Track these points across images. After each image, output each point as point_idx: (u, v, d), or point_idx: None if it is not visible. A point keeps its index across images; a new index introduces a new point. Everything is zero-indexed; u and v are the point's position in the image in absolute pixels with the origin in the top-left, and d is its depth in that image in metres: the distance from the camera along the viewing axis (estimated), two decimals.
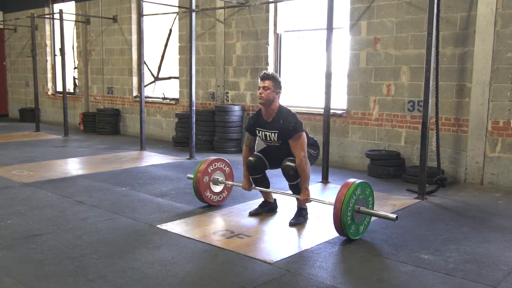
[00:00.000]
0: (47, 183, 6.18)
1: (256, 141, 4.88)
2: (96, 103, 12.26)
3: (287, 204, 5.23)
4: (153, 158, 8.19)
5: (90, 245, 3.98)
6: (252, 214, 4.90)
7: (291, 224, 4.55)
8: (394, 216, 4.18)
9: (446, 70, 6.50)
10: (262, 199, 5.06)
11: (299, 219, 4.60)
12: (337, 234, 4.31)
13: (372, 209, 4.36)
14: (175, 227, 4.50)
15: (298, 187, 4.57)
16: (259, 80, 4.57)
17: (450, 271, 3.53)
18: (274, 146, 4.67)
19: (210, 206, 5.18)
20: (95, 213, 4.91)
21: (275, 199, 5.06)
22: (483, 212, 5.18)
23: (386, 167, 6.78)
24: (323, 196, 5.84)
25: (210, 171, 5.13)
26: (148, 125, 10.40)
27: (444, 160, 6.52)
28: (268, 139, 4.65)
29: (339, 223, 4.05)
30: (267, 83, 4.49)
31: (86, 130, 11.65)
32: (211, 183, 5.16)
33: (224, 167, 5.29)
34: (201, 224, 4.60)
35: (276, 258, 3.75)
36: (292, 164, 4.46)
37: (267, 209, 4.96)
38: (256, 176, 4.86)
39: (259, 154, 4.81)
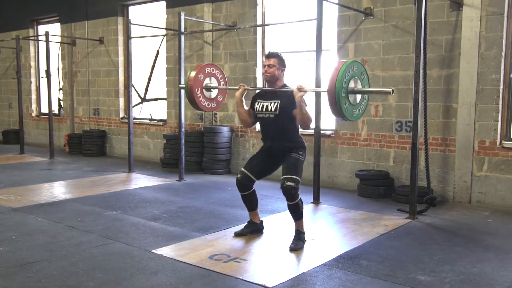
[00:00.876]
0: (36, 208, 6.10)
1: (257, 121, 4.87)
2: (82, 124, 12.18)
3: (273, 225, 5.26)
4: (142, 180, 8.14)
5: (86, 272, 3.94)
6: (237, 234, 4.93)
7: (292, 250, 4.51)
8: (389, 89, 4.28)
9: (433, 91, 6.65)
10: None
11: (299, 244, 4.58)
12: (333, 256, 4.35)
13: (369, 87, 4.41)
14: (170, 251, 4.47)
15: (297, 209, 4.58)
16: (264, 59, 4.64)
17: None
18: (268, 119, 4.65)
19: (205, 231, 5.16)
20: (88, 238, 4.86)
21: (261, 220, 5.08)
22: (474, 231, 5.26)
23: (376, 187, 6.85)
24: (315, 218, 5.89)
25: (201, 78, 5.10)
26: (135, 146, 10.35)
27: (433, 179, 6.62)
28: (265, 109, 4.65)
29: (335, 105, 4.06)
30: (272, 61, 4.65)
31: (71, 152, 11.53)
32: (204, 89, 5.13)
33: (215, 72, 5.27)
34: (196, 248, 4.58)
35: (275, 282, 3.76)
36: (292, 183, 4.47)
37: (253, 229, 4.98)
38: (245, 193, 4.88)
39: (242, 169, 4.84)
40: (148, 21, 9.85)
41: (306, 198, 6.47)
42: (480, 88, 6.33)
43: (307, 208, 6.19)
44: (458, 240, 4.93)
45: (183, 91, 8.11)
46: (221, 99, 5.45)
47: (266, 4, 8.64)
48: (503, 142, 6.26)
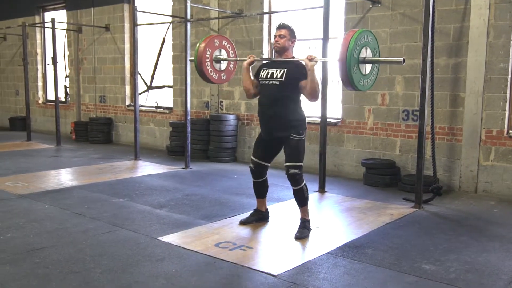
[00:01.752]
0: (43, 195, 6.14)
1: (257, 88, 4.81)
2: (88, 112, 12.21)
3: (279, 214, 5.27)
4: (148, 168, 8.17)
5: (93, 259, 3.97)
6: (242, 222, 4.95)
7: (297, 238, 4.53)
8: (401, 59, 4.30)
9: (440, 80, 6.60)
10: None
11: (304, 232, 4.60)
12: (338, 245, 4.37)
13: (379, 56, 4.43)
14: (176, 239, 4.50)
15: (302, 194, 4.62)
16: (276, 29, 4.71)
17: (452, 281, 3.58)
18: (271, 85, 4.59)
19: (210, 219, 5.18)
20: (95, 225, 4.90)
21: (267, 208, 5.10)
22: (480, 220, 5.26)
23: (382, 176, 6.84)
24: (321, 206, 5.90)
25: (210, 50, 5.08)
26: (141, 134, 10.37)
27: (439, 168, 6.60)
28: (270, 76, 4.61)
29: (347, 76, 4.09)
30: (283, 31, 4.64)
31: (78, 139, 11.58)
32: (213, 61, 5.13)
33: (225, 43, 5.26)
34: (202, 235, 4.61)
35: (280, 270, 3.78)
36: (296, 170, 4.53)
37: (258, 217, 5.00)
38: (259, 180, 4.91)
39: (254, 159, 4.83)
40: (154, 8, 9.81)
41: (312, 187, 6.49)
42: (488, 77, 6.27)
43: (313, 197, 6.21)
44: (463, 229, 4.93)
45: (189, 78, 8.13)
46: (232, 69, 5.39)
47: None
48: (510, 131, 6.23)
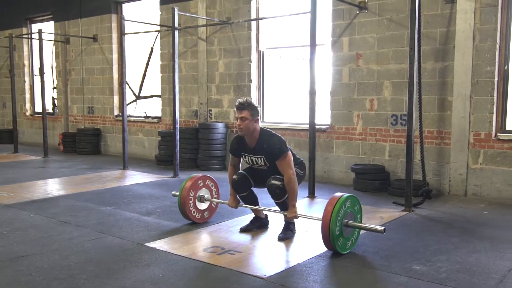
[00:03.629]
0: (29, 204, 6.04)
1: (241, 161, 4.84)
2: (76, 123, 12.11)
3: (278, 220, 5.20)
4: (136, 177, 8.09)
5: (78, 266, 3.88)
6: (243, 230, 4.85)
7: (280, 239, 4.52)
8: (381, 228, 4.20)
9: (428, 84, 6.62)
10: (252, 215, 5.03)
11: (287, 233, 4.58)
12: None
13: (361, 222, 4.36)
14: (164, 245, 4.42)
15: (285, 204, 4.54)
16: (235, 110, 4.53)
17: (443, 281, 3.54)
18: (262, 169, 4.65)
19: (197, 223, 5.12)
20: (81, 233, 4.81)
21: (266, 215, 5.03)
22: (470, 222, 5.24)
23: (372, 181, 6.82)
24: (311, 211, 5.84)
25: (195, 189, 5.07)
26: (130, 144, 10.31)
27: (428, 172, 6.60)
28: (255, 163, 4.63)
29: (328, 238, 4.04)
30: (244, 113, 4.44)
31: (66, 150, 11.46)
32: (196, 200, 5.10)
33: (210, 184, 5.25)
34: (190, 241, 4.54)
35: (269, 273, 3.71)
36: (277, 182, 4.44)
37: (258, 225, 4.93)
38: (242, 194, 4.82)
39: (243, 172, 4.77)
40: (142, 18, 9.80)
41: (301, 193, 6.42)
42: (475, 81, 6.30)
43: (303, 202, 6.16)
44: (453, 231, 4.90)
45: (177, 86, 8.09)
46: (212, 211, 5.31)
47: None
48: (498, 134, 6.25)
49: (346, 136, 7.49)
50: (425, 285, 3.48)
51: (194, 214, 5.09)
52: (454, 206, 5.94)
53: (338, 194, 4.21)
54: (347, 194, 4.20)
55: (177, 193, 5.14)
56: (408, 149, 5.65)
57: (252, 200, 4.88)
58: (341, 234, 4.11)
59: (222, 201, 5.21)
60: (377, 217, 5.40)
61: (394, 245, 4.40)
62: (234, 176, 4.77)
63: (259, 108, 4.62)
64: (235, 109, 4.55)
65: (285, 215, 4.61)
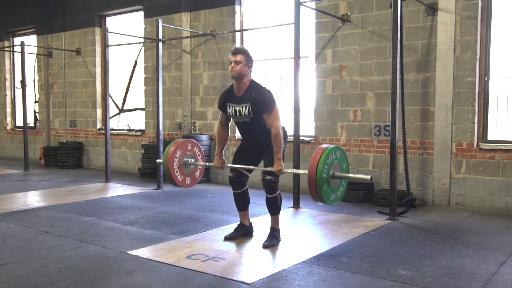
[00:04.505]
0: (8, 215, 5.90)
1: (230, 121, 4.79)
2: (58, 136, 11.96)
3: (263, 228, 5.17)
4: (119, 189, 7.98)
5: (58, 273, 3.79)
6: (227, 238, 4.80)
7: (265, 246, 4.48)
8: (368, 177, 4.28)
9: (410, 95, 6.69)
10: (236, 224, 4.98)
11: (273, 241, 4.54)
12: (313, 254, 4.28)
13: (347, 173, 4.40)
14: (147, 252, 4.35)
15: (275, 202, 4.57)
16: (230, 55, 4.55)
17: (429, 285, 3.53)
18: (243, 122, 4.58)
19: (182, 234, 5.04)
20: (62, 242, 4.70)
21: (251, 223, 4.98)
22: (454, 230, 5.25)
23: (356, 191, 6.83)
24: (295, 221, 5.82)
25: (179, 154, 4.99)
26: (113, 158, 10.19)
27: (412, 182, 6.63)
28: (238, 114, 4.54)
29: (315, 187, 4.04)
30: (238, 57, 4.45)
31: (47, 164, 11.28)
32: (181, 165, 5.02)
33: (194, 148, 5.17)
34: (173, 249, 4.47)
35: (254, 278, 3.67)
36: (271, 177, 4.48)
37: (243, 232, 4.87)
38: (239, 191, 4.80)
39: (232, 166, 4.76)
40: (126, 31, 9.78)
41: (286, 203, 6.42)
42: (456, 91, 6.39)
43: (287, 212, 6.13)
44: (438, 238, 4.91)
45: (161, 99, 8.06)
46: (198, 176, 5.30)
47: (245, 12, 8.67)
48: (480, 144, 6.31)
49: None
50: None
51: (181, 179, 5.01)
52: (437, 215, 5.96)
53: (324, 145, 4.25)
54: (333, 146, 4.24)
55: (161, 160, 5.03)
56: (392, 157, 5.67)
57: (244, 200, 4.86)
58: (329, 188, 4.14)
59: (207, 164, 5.19)
60: (361, 225, 5.39)
61: (379, 251, 4.38)
62: (231, 174, 4.77)
63: (253, 58, 4.62)
64: (230, 54, 4.56)
65: (271, 217, 4.63)
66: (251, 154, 4.72)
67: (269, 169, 4.48)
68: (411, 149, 6.73)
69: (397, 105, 5.67)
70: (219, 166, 4.81)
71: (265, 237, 4.67)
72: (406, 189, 6.26)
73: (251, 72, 4.58)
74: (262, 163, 4.72)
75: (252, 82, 4.56)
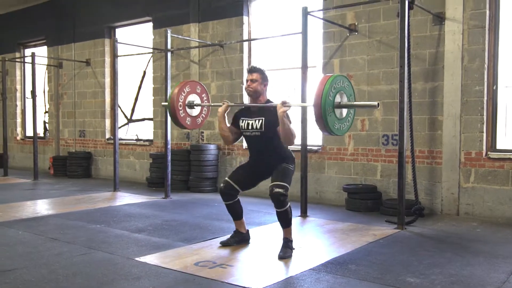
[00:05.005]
0: (17, 223, 5.94)
1: (238, 137, 4.81)
2: (67, 146, 12.05)
3: (260, 236, 5.18)
4: (127, 198, 8.01)
5: (66, 279, 3.80)
6: (223, 244, 4.81)
7: (280, 257, 4.39)
8: (375, 103, 4.27)
9: (418, 104, 6.69)
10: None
11: (287, 252, 4.47)
12: (321, 262, 4.27)
13: (354, 101, 4.38)
14: (154, 259, 4.36)
15: (286, 216, 4.47)
16: (247, 74, 4.64)
17: None
18: (254, 137, 4.60)
19: (190, 241, 5.05)
20: (70, 248, 4.72)
21: (247, 230, 4.98)
22: (463, 239, 5.21)
23: (364, 201, 6.80)
24: (303, 229, 5.80)
25: (184, 95, 4.99)
26: (121, 167, 10.22)
27: (420, 192, 6.59)
28: (250, 127, 4.58)
29: (322, 120, 4.01)
30: (254, 75, 4.57)
31: (56, 174, 11.35)
32: (186, 106, 5.03)
33: (198, 89, 5.17)
34: (181, 256, 4.47)
35: (261, 285, 3.66)
36: (281, 190, 4.38)
37: (238, 239, 4.87)
38: (229, 202, 4.79)
39: (226, 179, 4.77)
40: (135, 42, 9.87)
41: (293, 212, 6.34)
42: (464, 100, 6.38)
43: (295, 221, 6.06)
44: (447, 246, 4.87)
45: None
46: (204, 116, 5.36)
47: (252, 23, 8.74)
48: (489, 153, 6.28)
49: (337, 156, 7.50)
50: None
51: (187, 120, 5.04)
52: (446, 224, 5.92)
53: (328, 74, 4.20)
54: (337, 74, 4.21)
55: (166, 103, 5.07)
56: (400, 167, 5.66)
57: (236, 210, 4.84)
58: (333, 112, 4.09)
59: (212, 104, 5.21)
60: (369, 234, 5.36)
61: (387, 259, 4.36)
62: (222, 184, 4.77)
63: (269, 76, 4.70)
64: (247, 71, 4.65)
65: (283, 230, 4.57)
66: (257, 172, 4.70)
67: (274, 104, 4.45)
68: (419, 158, 6.71)
69: (405, 114, 5.67)
70: (225, 107, 4.72)
71: (271, 245, 4.67)
72: (414, 198, 6.23)
73: (266, 90, 4.68)
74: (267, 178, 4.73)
75: (269, 101, 4.65)
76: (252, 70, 4.63)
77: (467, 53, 6.35)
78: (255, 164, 4.74)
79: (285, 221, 4.54)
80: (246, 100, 8.65)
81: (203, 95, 5.30)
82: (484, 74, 6.28)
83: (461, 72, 6.38)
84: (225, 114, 4.77)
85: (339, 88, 4.17)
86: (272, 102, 4.65)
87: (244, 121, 4.66)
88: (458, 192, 6.43)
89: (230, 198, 4.77)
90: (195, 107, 5.18)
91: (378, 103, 4.32)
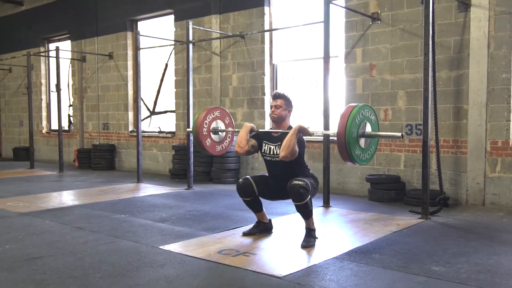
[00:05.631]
0: (44, 213, 6.06)
1: (251, 153, 4.82)
2: (91, 139, 12.22)
3: (283, 225, 5.18)
4: (150, 189, 8.10)
5: (92, 266, 3.87)
6: (246, 234, 4.82)
7: (303, 247, 4.37)
8: (399, 134, 4.22)
9: (443, 93, 6.58)
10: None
11: (310, 241, 4.45)
12: (344, 250, 4.25)
13: (378, 130, 4.34)
14: (178, 247, 4.40)
15: (306, 209, 4.41)
16: (271, 100, 4.72)
17: (464, 281, 3.46)
18: (275, 162, 4.62)
19: (213, 230, 5.08)
20: (95, 237, 4.80)
21: (270, 219, 4.98)
22: (489, 229, 5.13)
23: (387, 191, 6.74)
24: (326, 219, 5.78)
25: (208, 121, 5.02)
26: (144, 160, 10.33)
27: (445, 182, 6.50)
28: (271, 152, 4.63)
29: (345, 151, 3.99)
30: (279, 102, 4.65)
31: (81, 166, 11.54)
32: (211, 132, 5.06)
33: (223, 115, 5.19)
34: (204, 244, 4.50)
35: (285, 272, 3.66)
36: (300, 182, 4.31)
37: (261, 229, 4.88)
38: (247, 199, 4.78)
39: (248, 177, 4.77)
40: (156, 35, 9.93)
41: (316, 202, 6.37)
42: (490, 88, 6.25)
43: (318, 211, 6.10)
44: (472, 236, 4.81)
45: (191, 100, 8.14)
46: (228, 143, 5.34)
47: (273, 13, 8.70)
48: None
49: None
50: (446, 285, 3.40)
51: (211, 146, 5.08)
52: (472, 214, 5.83)
53: (353, 104, 4.19)
54: (362, 104, 4.17)
55: (190, 129, 5.08)
56: (424, 156, 5.58)
57: (256, 205, 4.83)
58: (357, 144, 4.08)
59: (236, 130, 5.22)
60: (393, 223, 5.32)
61: (412, 249, 4.32)
62: (240, 180, 4.79)
63: (293, 103, 4.76)
64: (271, 98, 4.60)
65: (305, 221, 4.53)
66: (279, 190, 4.61)
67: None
68: (443, 148, 6.61)
69: (429, 102, 5.59)
70: (248, 128, 4.76)
71: (294, 234, 4.67)
72: (438, 189, 6.15)
73: (290, 116, 4.74)
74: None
75: (290, 127, 4.66)
76: (276, 96, 4.70)
77: (494, 40, 6.22)
78: (275, 186, 4.69)
79: (306, 213, 4.49)
80: (268, 90, 8.67)
81: (227, 122, 5.28)
82: (511, 61, 6.14)
83: (487, 59, 6.25)
84: (247, 134, 4.76)
85: (363, 118, 4.16)
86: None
87: (267, 145, 4.71)
88: (484, 182, 6.33)
89: (246, 196, 4.75)
90: (219, 132, 5.19)
91: (402, 134, 4.26)
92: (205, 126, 5.05)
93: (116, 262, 3.96)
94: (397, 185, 6.81)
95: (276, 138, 4.65)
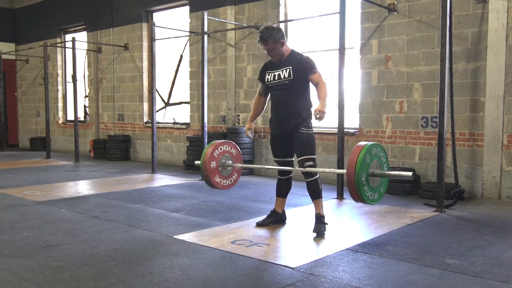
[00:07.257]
0: (60, 201, 6.15)
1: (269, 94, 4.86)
2: (107, 130, 12.32)
3: (296, 217, 5.18)
4: (165, 180, 8.15)
5: (107, 254, 3.92)
6: (259, 224, 4.85)
7: (314, 232, 4.46)
8: (409, 173, 4.13)
9: (459, 85, 6.51)
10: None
11: (321, 227, 4.50)
12: (358, 242, 4.25)
13: (388, 171, 4.26)
14: (192, 237, 4.43)
15: (316, 186, 4.58)
16: (259, 45, 4.59)
17: (478, 274, 3.44)
18: (281, 85, 4.59)
19: (227, 221, 5.11)
20: (111, 226, 4.86)
21: (284, 211, 5.00)
22: (505, 222, 5.08)
23: (402, 184, 6.70)
24: (339, 211, 5.78)
25: (216, 155, 5.01)
26: (158, 150, 10.40)
27: (460, 175, 6.44)
28: (277, 78, 4.59)
29: (354, 186, 3.95)
30: (270, 45, 4.52)
31: (96, 156, 11.66)
32: (219, 167, 5.07)
33: (231, 149, 5.18)
34: (218, 234, 4.53)
35: (298, 263, 3.67)
36: (311, 162, 4.55)
37: (275, 219, 4.90)
38: (284, 177, 4.89)
39: (277, 159, 4.84)
40: (172, 26, 9.96)
41: (330, 195, 6.44)
42: (508, 81, 6.17)
43: (331, 203, 6.10)
44: (488, 229, 4.76)
45: (206, 92, 8.16)
46: (236, 177, 5.20)
47: (289, 4, 8.66)
48: None
49: (375, 139, 7.39)
50: (460, 277, 3.38)
51: (219, 182, 5.00)
52: (487, 208, 5.78)
53: (362, 143, 4.13)
54: (372, 142, 4.13)
55: (199, 162, 5.05)
56: (439, 149, 5.54)
57: (286, 187, 4.92)
58: (368, 187, 4.03)
59: (244, 165, 5.20)
60: (407, 216, 5.29)
61: (426, 241, 4.30)
62: (279, 176, 4.90)
63: (281, 29, 4.62)
64: (257, 42, 4.59)
65: (315, 205, 4.63)
66: (284, 139, 4.71)
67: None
68: (459, 140, 6.54)
69: (446, 95, 5.53)
70: (248, 127, 4.92)
71: (307, 226, 4.68)
72: (454, 182, 6.09)
73: (286, 43, 4.64)
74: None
75: (293, 51, 4.68)
76: (263, 40, 4.50)
77: None
78: (278, 123, 4.70)
79: (315, 191, 4.61)
80: None
81: (235, 155, 5.19)
82: None
83: (505, 51, 6.15)
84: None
85: (373, 157, 4.11)
86: (296, 51, 4.69)
87: (271, 73, 4.66)
88: (500, 175, 6.26)
89: (286, 173, 4.87)
90: (227, 167, 5.14)
91: (412, 173, 4.17)
92: (213, 161, 4.95)
93: (131, 251, 4.01)
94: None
95: (280, 65, 4.62)
